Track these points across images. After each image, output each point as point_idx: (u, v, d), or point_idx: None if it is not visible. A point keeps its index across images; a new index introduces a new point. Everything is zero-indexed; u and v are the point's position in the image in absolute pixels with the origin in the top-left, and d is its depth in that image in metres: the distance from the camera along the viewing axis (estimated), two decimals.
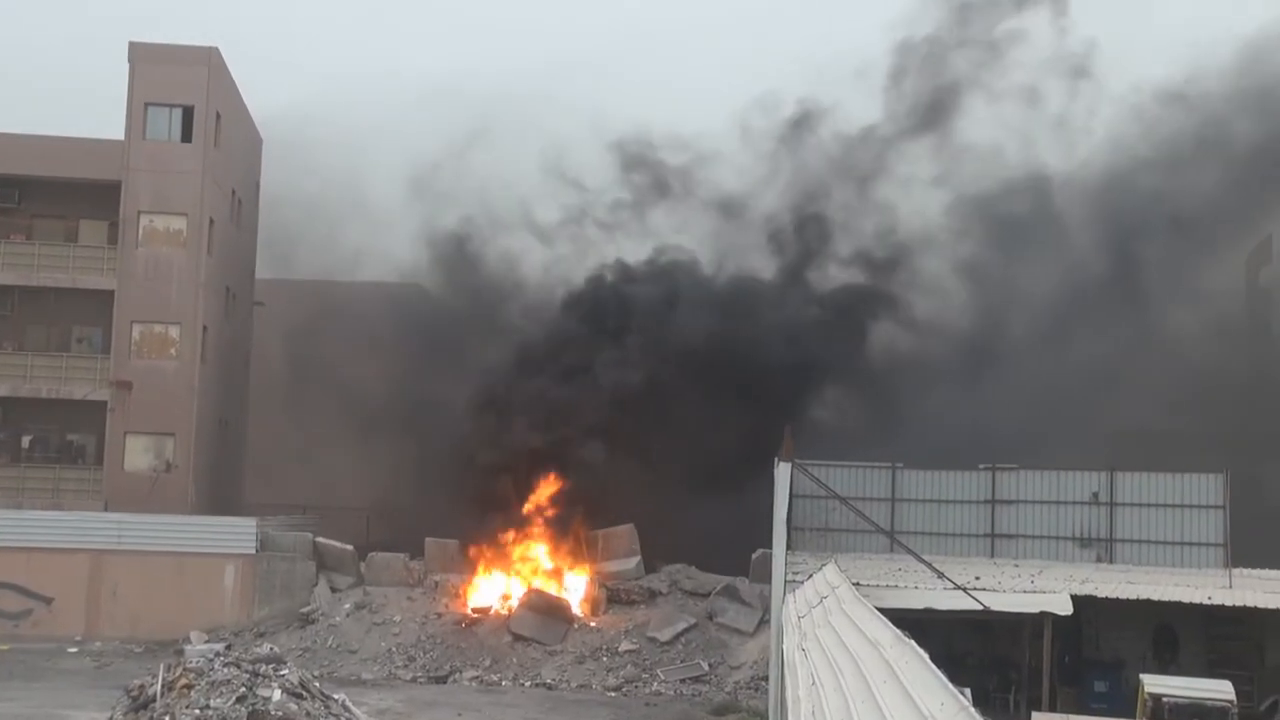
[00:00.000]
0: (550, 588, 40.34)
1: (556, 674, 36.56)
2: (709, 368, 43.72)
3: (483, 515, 41.77)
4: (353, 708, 26.38)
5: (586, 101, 68.50)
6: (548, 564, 41.84)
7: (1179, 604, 28.82)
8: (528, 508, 42.16)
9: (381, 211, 60.22)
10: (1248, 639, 31.60)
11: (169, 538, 40.76)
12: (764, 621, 36.16)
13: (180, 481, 45.13)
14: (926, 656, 13.91)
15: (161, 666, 25.43)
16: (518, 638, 37.95)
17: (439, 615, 39.10)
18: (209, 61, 46.59)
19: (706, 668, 36.82)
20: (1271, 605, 28.40)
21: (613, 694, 35.54)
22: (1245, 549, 35.64)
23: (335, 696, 25.98)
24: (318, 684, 26.12)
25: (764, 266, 52.37)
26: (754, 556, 38.58)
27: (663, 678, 36.38)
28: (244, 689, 23.70)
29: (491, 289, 52.47)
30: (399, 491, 46.11)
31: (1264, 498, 40.30)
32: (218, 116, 46.93)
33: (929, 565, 27.59)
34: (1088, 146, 54.87)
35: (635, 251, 52.08)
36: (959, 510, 38.39)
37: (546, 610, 38.69)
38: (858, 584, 25.75)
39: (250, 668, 24.60)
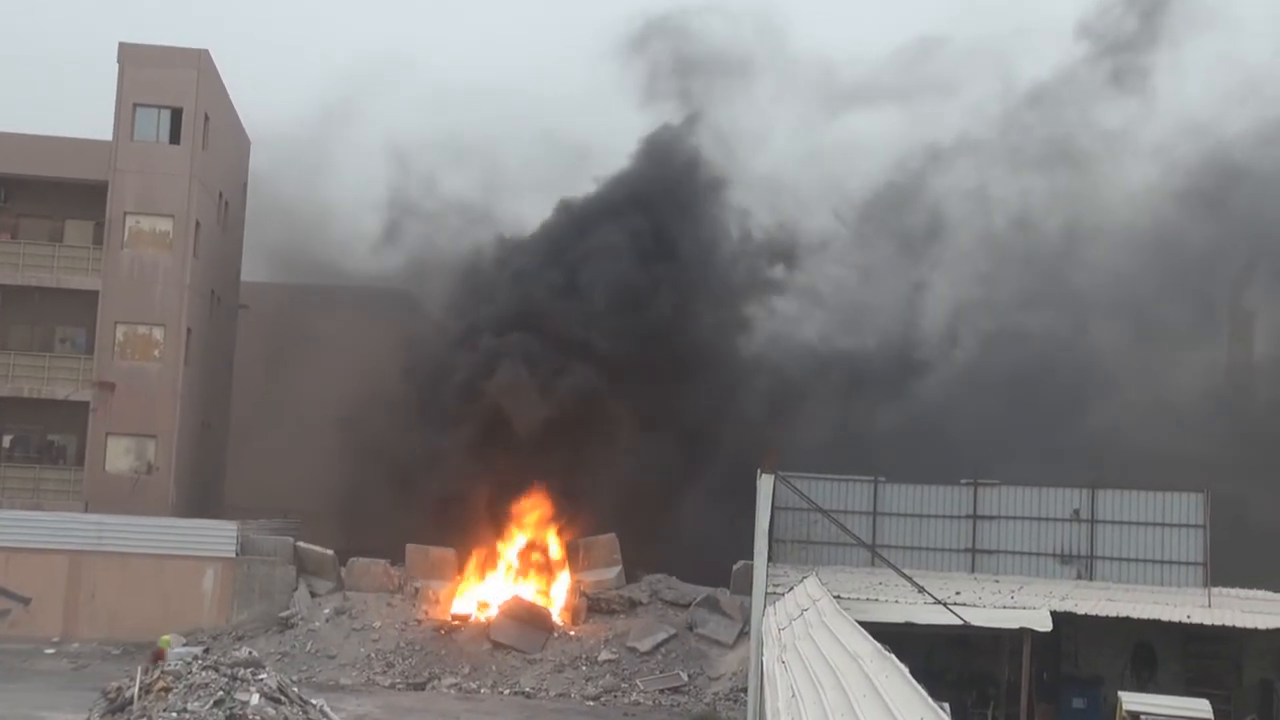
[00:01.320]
0: (531, 595, 40.32)
1: (535, 682, 36.51)
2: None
3: (464, 521, 41.69)
4: (330, 713, 26.31)
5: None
6: (529, 572, 41.81)
7: (1158, 622, 28.90)
8: (511, 514, 42.10)
9: (367, 216, 60.13)
10: (1226, 658, 31.66)
11: (149, 540, 40.59)
12: (744, 633, 36.19)
13: (161, 483, 44.97)
14: (906, 671, 13.96)
15: (139, 669, 25.36)
16: (497, 645, 37.90)
17: (419, 621, 39.02)
18: (198, 63, 46.50)
19: (686, 678, 36.79)
20: (1250, 625, 28.48)
21: (591, 703, 35.50)
22: (1225, 568, 35.78)
23: (313, 702, 25.91)
24: (296, 689, 26.03)
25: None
26: (735, 568, 38.56)
27: (642, 688, 36.34)
28: (222, 692, 23.63)
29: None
30: (380, 496, 45.91)
31: (1245, 517, 40.44)
32: (206, 118, 46.85)
33: (909, 579, 27.64)
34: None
35: None
36: (940, 525, 38.50)
37: (526, 618, 38.64)
38: (838, 597, 25.81)
39: (228, 671, 24.53)
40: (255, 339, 54.56)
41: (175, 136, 46.09)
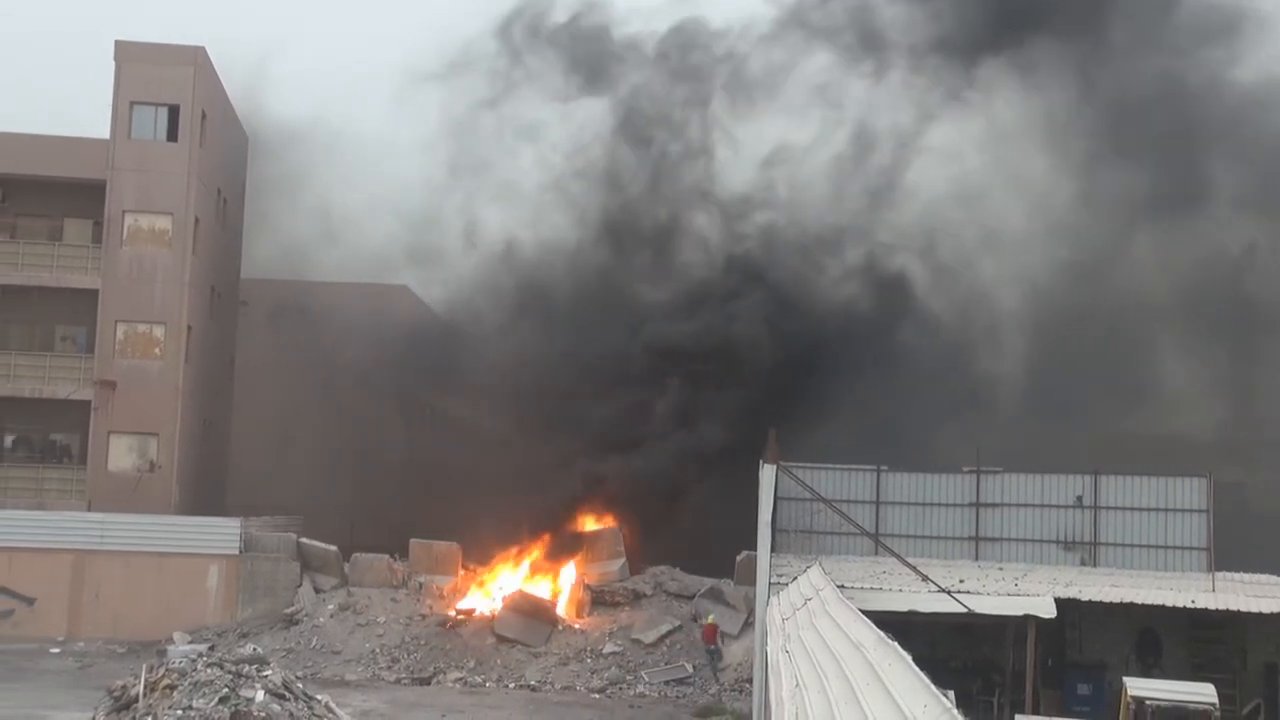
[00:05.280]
0: (537, 589, 40.31)
1: (540, 676, 36.52)
2: (711, 356, 43.52)
3: (469, 515, 41.69)
4: (336, 709, 26.31)
5: None
6: (533, 565, 41.82)
7: (1162, 607, 28.86)
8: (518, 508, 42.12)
9: (367, 211, 60.08)
10: (1230, 642, 31.68)
11: (152, 538, 40.64)
12: (748, 624, 36.18)
13: (164, 481, 44.97)
14: (910, 659, 13.94)
15: (144, 667, 25.35)
16: (502, 639, 37.90)
17: (423, 616, 39.03)
18: (195, 61, 46.45)
19: (690, 670, 36.81)
20: (1254, 609, 28.46)
21: (597, 696, 35.51)
22: (1229, 553, 35.73)
23: (318, 698, 25.91)
24: (301, 685, 26.04)
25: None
26: (739, 559, 38.57)
27: (647, 679, 36.36)
28: (227, 690, 23.63)
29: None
30: (383, 492, 45.89)
31: (1247, 501, 40.41)
32: (203, 116, 46.79)
33: (913, 568, 27.65)
34: None
35: None
36: (943, 513, 38.41)
37: (531, 612, 38.64)
38: (842, 586, 25.77)
39: (233, 668, 24.53)
40: (257, 335, 54.45)
41: (173, 134, 46.05)
